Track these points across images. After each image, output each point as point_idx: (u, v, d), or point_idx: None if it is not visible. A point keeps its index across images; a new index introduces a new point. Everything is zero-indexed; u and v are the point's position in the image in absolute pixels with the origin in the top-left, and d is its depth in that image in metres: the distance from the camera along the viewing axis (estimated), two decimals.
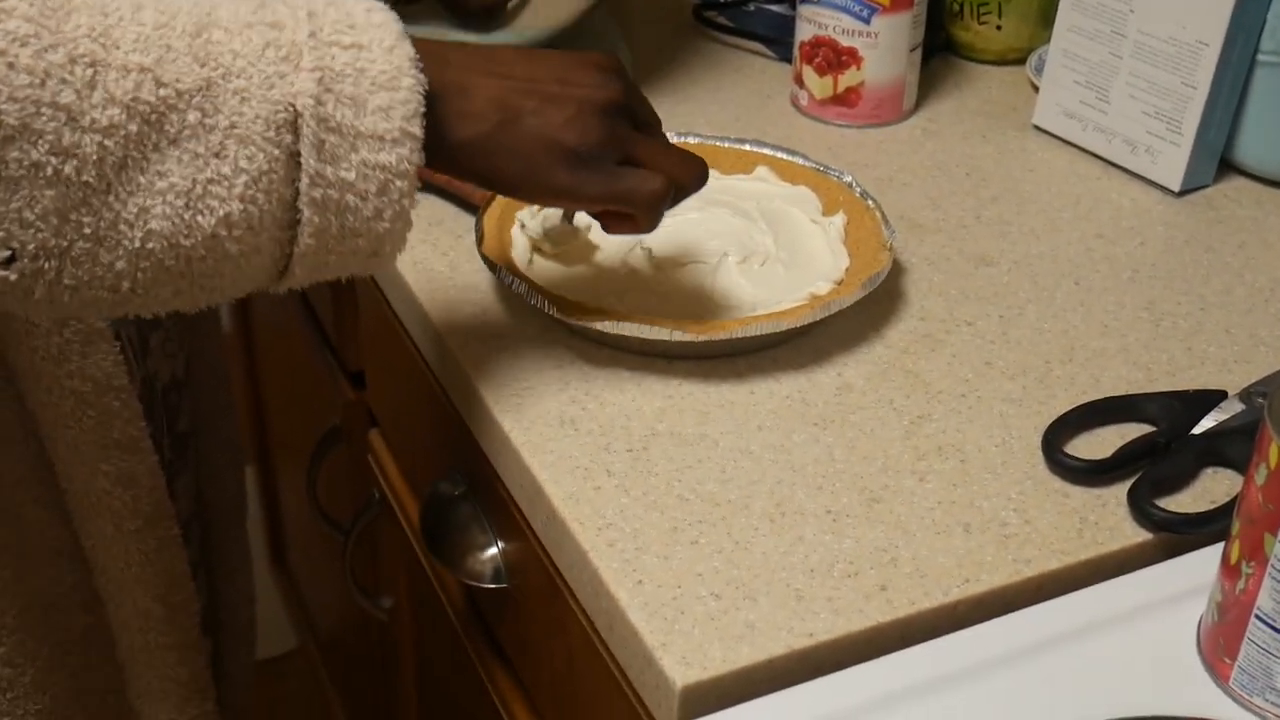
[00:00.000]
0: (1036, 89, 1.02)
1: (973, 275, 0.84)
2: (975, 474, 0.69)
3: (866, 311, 0.79)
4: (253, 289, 0.61)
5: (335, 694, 1.55)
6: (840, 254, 0.81)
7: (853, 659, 0.59)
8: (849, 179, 0.86)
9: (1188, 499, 0.68)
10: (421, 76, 0.59)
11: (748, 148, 0.90)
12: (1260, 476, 0.53)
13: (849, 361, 0.76)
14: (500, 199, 0.83)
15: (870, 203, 0.84)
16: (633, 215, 0.67)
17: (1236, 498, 0.56)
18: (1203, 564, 0.61)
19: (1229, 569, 0.56)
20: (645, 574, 0.63)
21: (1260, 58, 0.90)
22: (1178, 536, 0.66)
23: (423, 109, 0.59)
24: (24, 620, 0.75)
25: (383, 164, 0.59)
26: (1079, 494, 0.68)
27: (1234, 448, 0.69)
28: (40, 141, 0.53)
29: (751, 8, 1.15)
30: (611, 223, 0.68)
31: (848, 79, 0.99)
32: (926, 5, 0.99)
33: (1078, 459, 0.69)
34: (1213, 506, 0.67)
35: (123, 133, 0.54)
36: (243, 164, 0.56)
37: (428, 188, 0.85)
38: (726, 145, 0.90)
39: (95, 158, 0.54)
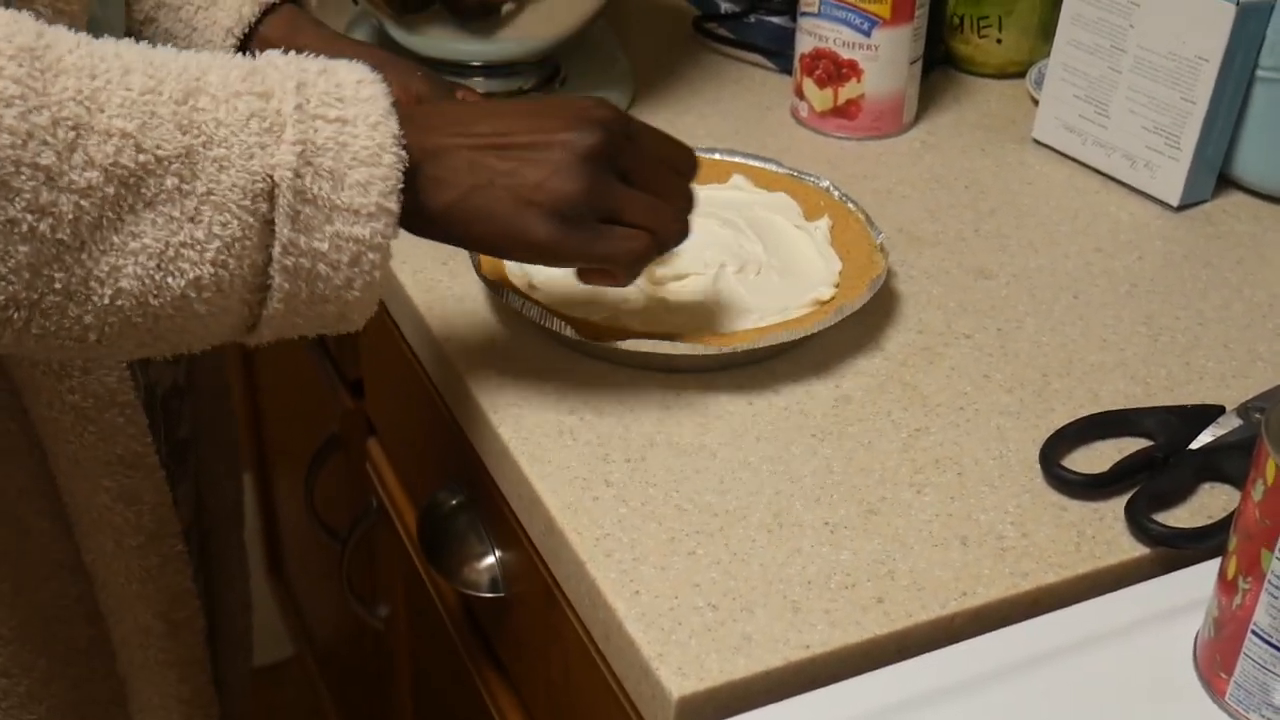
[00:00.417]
0: (1036, 103, 1.02)
1: (971, 288, 0.84)
2: (973, 487, 0.69)
3: (865, 323, 0.79)
4: (218, 343, 0.62)
5: (331, 703, 1.55)
6: (831, 258, 0.82)
7: (849, 671, 0.59)
8: (825, 183, 0.87)
9: (1185, 514, 0.68)
10: (403, 153, 0.60)
11: (718, 156, 0.90)
12: (1257, 492, 0.53)
13: (847, 373, 0.76)
14: None
15: (851, 205, 0.85)
16: (611, 272, 0.67)
17: (1234, 513, 0.56)
18: (1199, 579, 0.61)
19: (1226, 584, 0.56)
20: (642, 584, 0.63)
21: (1259, 73, 0.90)
22: (1175, 551, 0.66)
23: (400, 185, 0.60)
24: (22, 631, 0.75)
25: (357, 237, 0.59)
26: (1076, 508, 0.68)
27: (1231, 463, 0.69)
28: (17, 199, 0.53)
29: (752, 19, 1.15)
30: (590, 276, 0.68)
31: (848, 91, 1.00)
32: (927, 18, 0.99)
33: (1075, 473, 0.69)
34: (1210, 522, 0.67)
35: (100, 194, 0.55)
36: (216, 230, 0.57)
37: None
38: (698, 155, 0.88)
39: (71, 217, 0.54)
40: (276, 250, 0.58)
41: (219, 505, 0.95)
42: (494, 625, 0.85)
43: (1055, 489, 0.69)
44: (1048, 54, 1.01)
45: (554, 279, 0.78)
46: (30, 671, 0.76)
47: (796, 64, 1.02)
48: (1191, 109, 0.91)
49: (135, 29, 0.80)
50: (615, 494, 0.68)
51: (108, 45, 0.57)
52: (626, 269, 0.67)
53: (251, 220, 0.57)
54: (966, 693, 0.57)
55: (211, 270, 0.57)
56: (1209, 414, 0.72)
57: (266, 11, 0.80)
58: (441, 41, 0.96)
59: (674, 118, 1.03)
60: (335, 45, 0.80)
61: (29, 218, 0.54)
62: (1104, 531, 0.67)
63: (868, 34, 0.97)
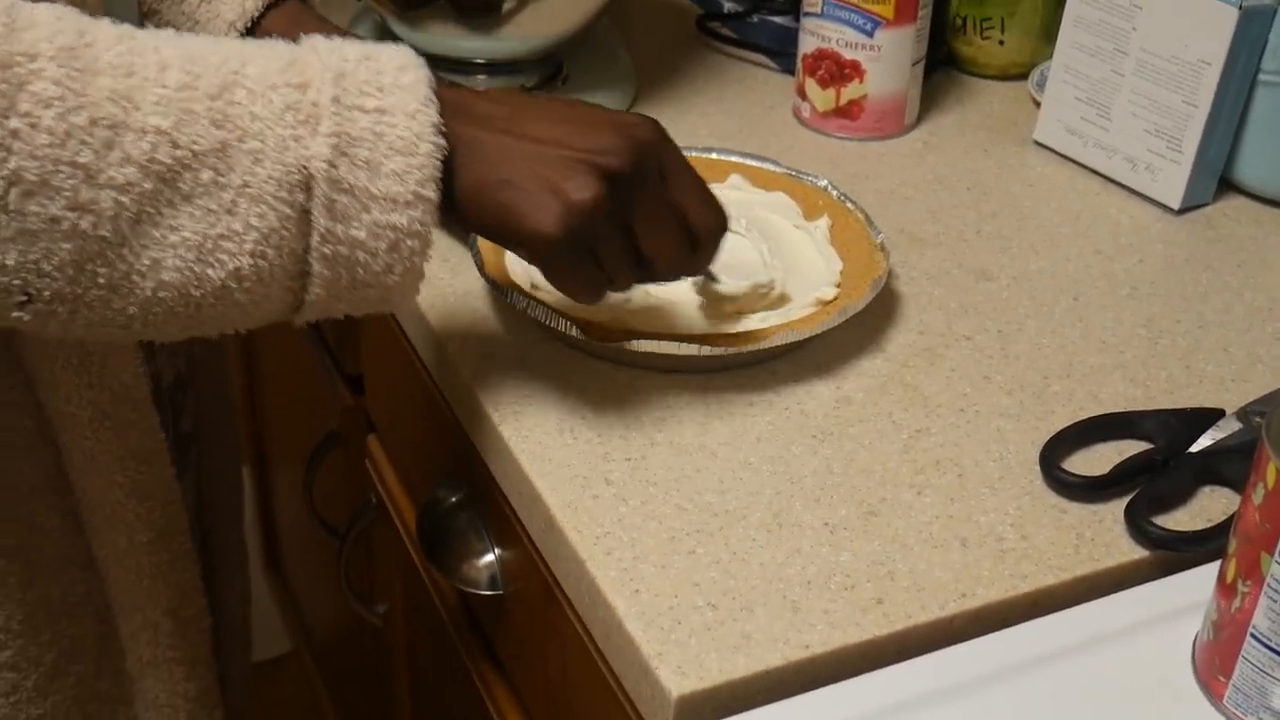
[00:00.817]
0: (1038, 105, 1.02)
1: (972, 290, 0.84)
2: (973, 489, 0.69)
3: (865, 324, 0.80)
4: (265, 324, 0.63)
5: (329, 699, 1.55)
6: (832, 257, 0.82)
7: (848, 672, 0.59)
8: (824, 183, 0.87)
9: (1184, 517, 0.68)
10: (442, 142, 0.60)
11: (716, 156, 0.90)
12: (1258, 496, 0.53)
13: (848, 374, 0.77)
14: None
15: (850, 204, 0.85)
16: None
17: (1233, 516, 0.57)
18: (1198, 582, 0.61)
19: (1225, 587, 0.56)
20: (642, 583, 0.63)
21: (1261, 77, 0.90)
22: (1174, 554, 0.66)
23: (439, 174, 0.60)
24: (30, 626, 0.75)
25: (394, 224, 0.60)
26: (1076, 510, 0.68)
27: (1231, 466, 0.69)
28: (58, 197, 0.54)
29: (755, 19, 1.15)
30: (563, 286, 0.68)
31: (850, 92, 1.00)
32: (930, 19, 0.99)
33: (1075, 475, 0.69)
34: (1209, 525, 0.67)
35: (138, 190, 0.56)
36: (254, 221, 0.58)
37: None
38: (694, 154, 0.88)
39: (111, 213, 0.56)
40: (315, 239, 0.59)
41: (220, 500, 0.95)
42: (492, 623, 0.86)
43: (1055, 491, 0.69)
44: (1050, 56, 1.01)
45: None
46: (38, 666, 0.76)
47: (799, 64, 1.02)
48: (1193, 112, 0.91)
49: (139, 22, 0.80)
50: (615, 493, 0.68)
51: (148, 40, 0.57)
52: (575, 299, 0.67)
53: (289, 211, 0.58)
54: (966, 694, 0.57)
55: (250, 261, 0.58)
56: (1209, 417, 0.72)
57: (270, 6, 0.80)
58: (444, 39, 0.96)
59: (676, 117, 1.03)
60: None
61: (70, 215, 0.55)
62: (1103, 534, 0.67)
63: (870, 34, 0.97)
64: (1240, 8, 0.87)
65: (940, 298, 0.83)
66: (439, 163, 0.60)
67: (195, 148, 0.56)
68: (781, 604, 0.62)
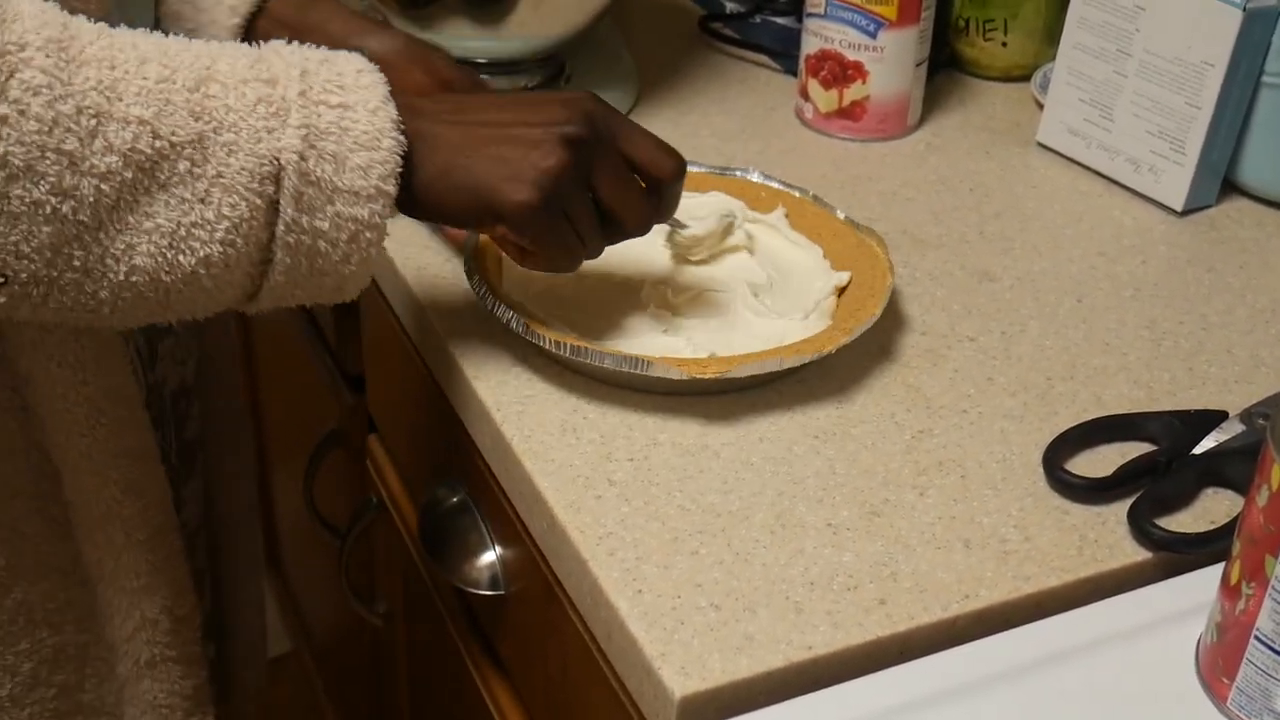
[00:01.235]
0: (1041, 106, 1.02)
1: (975, 291, 0.84)
2: (976, 490, 0.69)
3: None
4: (218, 311, 0.65)
5: (329, 699, 1.55)
6: (805, 244, 0.82)
7: (851, 673, 0.59)
8: (755, 175, 0.87)
9: (1188, 519, 0.68)
10: (401, 139, 0.63)
11: None
12: (1262, 498, 0.53)
13: (851, 375, 0.76)
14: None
15: (797, 192, 0.85)
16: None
17: (1237, 518, 0.56)
18: (1202, 584, 0.61)
19: (1229, 589, 0.56)
20: (645, 583, 0.62)
21: (1265, 79, 0.90)
22: (1177, 556, 0.66)
23: (399, 169, 0.63)
24: (6, 633, 0.74)
25: (356, 216, 0.63)
26: (1079, 512, 0.68)
27: (1234, 468, 0.69)
28: (42, 182, 0.56)
29: (757, 20, 1.15)
30: (529, 261, 0.70)
31: (853, 93, 1.00)
32: (933, 21, 0.99)
33: (1078, 476, 0.69)
34: (1213, 527, 0.67)
35: (119, 178, 0.58)
36: (225, 210, 0.60)
37: None
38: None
39: (91, 199, 0.57)
40: (280, 228, 0.61)
41: (230, 505, 0.95)
42: (493, 623, 0.85)
43: (1058, 492, 0.69)
44: (1053, 57, 1.01)
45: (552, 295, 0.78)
46: (13, 675, 0.76)
47: (802, 65, 1.02)
48: (1196, 114, 0.91)
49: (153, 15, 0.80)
50: (618, 493, 0.68)
51: (125, 36, 0.60)
52: (556, 268, 0.70)
53: (259, 201, 0.60)
54: (968, 695, 0.57)
55: (220, 249, 0.61)
56: (1212, 419, 0.72)
57: None
58: (447, 38, 0.96)
59: (678, 117, 1.03)
60: (352, 23, 0.80)
61: (53, 200, 0.57)
62: (1106, 535, 0.67)
63: (873, 35, 0.97)
64: (1244, 10, 0.87)
65: (943, 299, 0.83)
66: (399, 158, 0.63)
67: (174, 138, 0.58)
68: (784, 605, 0.62)
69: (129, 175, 0.58)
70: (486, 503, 0.80)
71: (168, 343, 0.83)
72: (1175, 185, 0.93)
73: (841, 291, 0.79)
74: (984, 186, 0.96)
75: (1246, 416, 0.71)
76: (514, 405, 0.73)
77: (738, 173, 0.87)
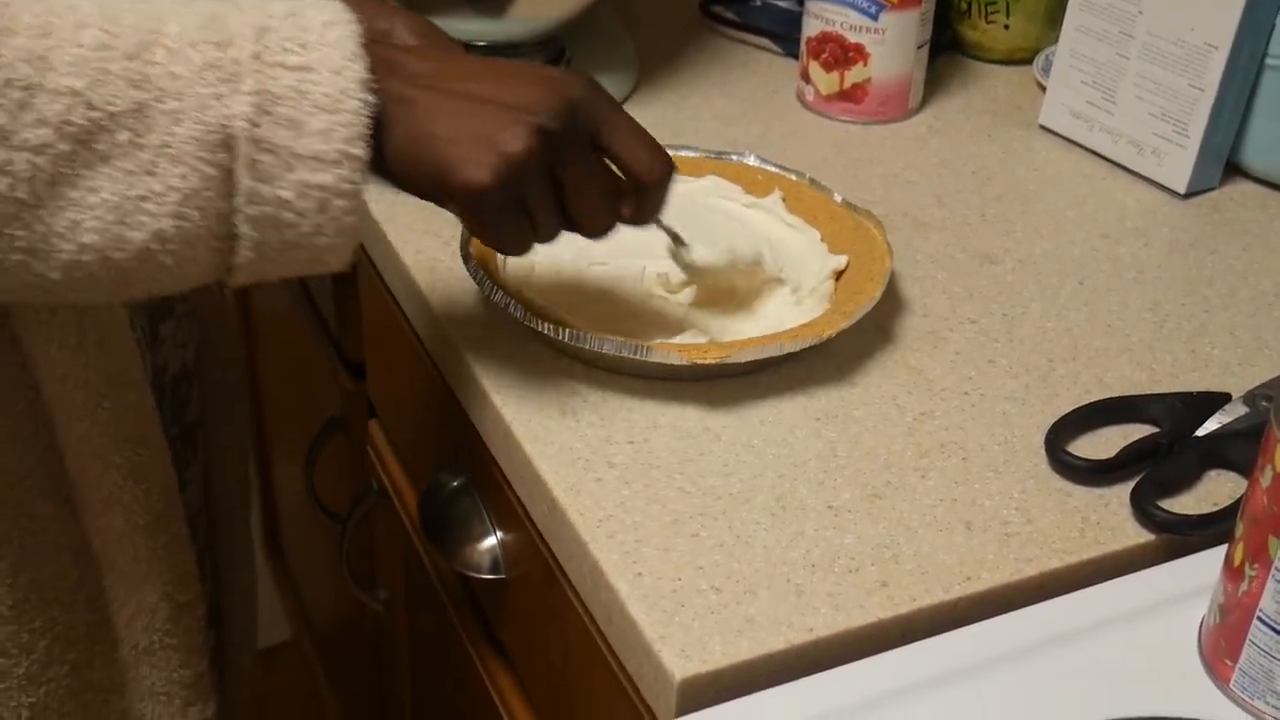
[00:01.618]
0: (1043, 89, 1.02)
1: (977, 273, 0.84)
2: (977, 472, 0.69)
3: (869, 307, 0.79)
4: (196, 286, 0.62)
5: (329, 685, 1.55)
6: (803, 227, 0.82)
7: (852, 655, 0.59)
8: (751, 159, 0.86)
9: (1190, 501, 0.68)
10: (369, 98, 0.59)
11: None
12: (1265, 479, 0.53)
13: (852, 357, 0.76)
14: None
15: (793, 175, 0.84)
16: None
17: (1240, 500, 0.56)
18: (1204, 566, 0.61)
19: (1232, 571, 0.56)
20: (645, 566, 0.62)
21: (1269, 61, 0.89)
22: (1179, 538, 0.65)
23: (368, 131, 0.59)
24: (20, 612, 0.74)
25: (321, 184, 0.59)
26: (1081, 494, 0.68)
27: (1237, 450, 0.69)
28: None
29: (758, 3, 1.15)
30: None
31: (854, 75, 0.99)
32: (934, 3, 0.99)
33: (1080, 458, 0.68)
34: (1215, 508, 0.66)
35: (53, 151, 0.55)
36: (175, 182, 0.57)
37: None
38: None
39: (27, 175, 0.55)
40: (239, 200, 0.58)
41: (227, 488, 0.94)
42: (494, 607, 0.85)
43: (1060, 474, 0.69)
44: (1055, 40, 1.01)
45: (550, 282, 0.77)
46: (29, 653, 0.76)
47: (803, 47, 1.01)
48: (1200, 96, 0.90)
49: None
50: (618, 475, 0.67)
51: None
52: (504, 251, 0.67)
53: (211, 171, 0.57)
54: (970, 677, 0.57)
55: (173, 222, 0.57)
56: (1215, 401, 0.71)
57: None
58: (446, 21, 0.95)
59: (679, 101, 1.02)
60: None
61: None
62: (1109, 518, 0.66)
63: (875, 18, 0.97)
64: None
65: (944, 281, 0.83)
66: (368, 119, 0.58)
67: (111, 108, 0.56)
68: (785, 587, 0.62)
69: (65, 148, 0.55)
70: (487, 487, 0.79)
71: (169, 326, 0.83)
72: (1178, 168, 0.93)
73: (840, 275, 0.78)
74: (986, 169, 0.96)
75: (1249, 398, 0.71)
76: (514, 388, 0.73)
77: (734, 156, 0.87)
